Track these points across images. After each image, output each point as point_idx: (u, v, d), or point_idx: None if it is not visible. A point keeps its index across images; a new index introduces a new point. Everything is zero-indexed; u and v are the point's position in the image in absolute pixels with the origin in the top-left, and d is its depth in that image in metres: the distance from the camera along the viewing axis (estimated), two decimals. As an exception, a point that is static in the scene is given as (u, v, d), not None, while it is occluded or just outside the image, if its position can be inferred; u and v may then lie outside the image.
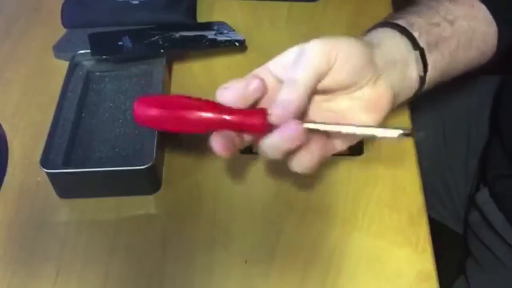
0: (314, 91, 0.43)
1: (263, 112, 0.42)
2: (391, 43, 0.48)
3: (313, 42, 0.42)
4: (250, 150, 0.61)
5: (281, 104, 0.41)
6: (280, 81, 0.43)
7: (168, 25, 0.73)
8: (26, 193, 0.58)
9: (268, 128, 0.42)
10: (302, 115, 0.43)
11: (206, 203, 0.57)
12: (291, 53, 0.43)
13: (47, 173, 0.55)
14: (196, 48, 0.70)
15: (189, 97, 0.43)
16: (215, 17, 0.76)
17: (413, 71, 0.48)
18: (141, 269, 0.52)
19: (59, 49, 0.71)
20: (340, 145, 0.47)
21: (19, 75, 0.70)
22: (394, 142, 0.61)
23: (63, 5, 0.75)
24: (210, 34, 0.70)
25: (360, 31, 0.73)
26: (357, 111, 0.45)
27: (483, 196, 0.72)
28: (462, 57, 0.52)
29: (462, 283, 0.75)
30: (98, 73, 0.65)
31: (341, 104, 0.46)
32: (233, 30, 0.72)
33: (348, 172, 0.59)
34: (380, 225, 0.55)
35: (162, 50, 0.66)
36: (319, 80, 0.42)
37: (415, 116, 0.64)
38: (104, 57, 0.65)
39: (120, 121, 0.61)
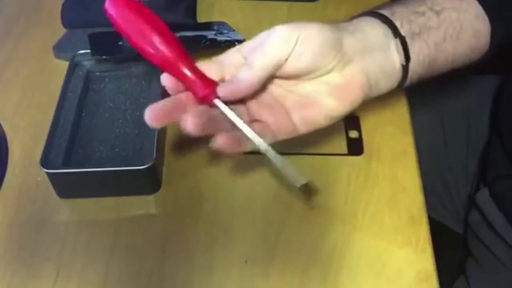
0: (275, 76, 0.44)
1: (215, 85, 0.44)
2: (369, 31, 0.47)
3: (278, 28, 0.43)
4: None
5: (231, 81, 0.43)
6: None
7: (168, 25, 0.73)
8: (26, 193, 0.58)
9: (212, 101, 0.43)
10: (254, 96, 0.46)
11: (206, 203, 0.57)
12: (261, 36, 0.44)
13: (47, 173, 0.55)
14: (195, 49, 0.69)
15: (168, 31, 0.45)
16: (215, 17, 0.76)
17: (395, 60, 0.48)
18: (141, 269, 0.52)
19: (59, 49, 0.71)
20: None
21: (19, 75, 0.70)
22: (394, 142, 0.61)
23: (63, 5, 0.75)
24: (210, 34, 0.70)
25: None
26: (323, 95, 0.46)
27: (483, 196, 0.72)
28: (450, 50, 0.51)
29: (462, 283, 0.75)
30: (98, 73, 0.65)
31: (307, 88, 0.46)
32: (233, 30, 0.71)
33: (348, 172, 0.59)
34: (380, 225, 0.55)
35: None
36: (276, 67, 0.43)
37: (415, 116, 0.64)
38: (104, 57, 0.65)
39: (120, 121, 0.61)
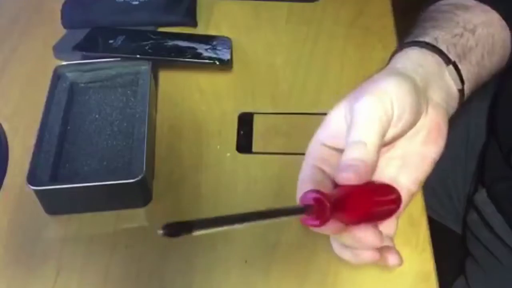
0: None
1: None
2: (425, 64, 0.45)
3: (362, 99, 0.38)
4: (250, 150, 0.61)
5: (350, 166, 0.36)
6: (337, 151, 0.40)
7: (168, 25, 0.74)
8: (26, 193, 0.58)
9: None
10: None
11: (206, 203, 0.57)
12: (337, 118, 0.40)
13: (34, 190, 0.53)
14: (174, 61, 0.67)
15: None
16: (215, 17, 0.76)
17: (452, 87, 0.46)
18: (141, 269, 0.52)
19: (59, 49, 0.71)
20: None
21: (19, 75, 0.70)
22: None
23: (63, 6, 0.75)
24: (201, 48, 0.69)
25: (360, 31, 0.74)
26: (418, 147, 0.41)
27: (482, 197, 0.72)
28: (488, 65, 0.50)
29: (462, 283, 0.75)
30: (82, 85, 0.64)
31: (403, 147, 0.41)
32: (229, 48, 0.70)
33: (348, 172, 0.59)
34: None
35: (138, 55, 0.65)
36: (384, 134, 0.38)
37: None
38: (81, 52, 0.65)
39: (107, 133, 0.60)
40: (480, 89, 0.52)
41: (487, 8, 0.53)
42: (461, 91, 0.46)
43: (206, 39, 0.71)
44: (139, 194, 0.56)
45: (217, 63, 0.67)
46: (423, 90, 0.42)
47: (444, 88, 0.45)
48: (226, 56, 0.68)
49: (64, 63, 0.64)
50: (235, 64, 0.70)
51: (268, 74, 0.69)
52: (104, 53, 0.66)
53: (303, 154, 0.60)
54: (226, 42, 0.71)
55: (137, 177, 0.53)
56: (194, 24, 0.75)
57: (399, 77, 0.41)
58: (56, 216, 0.56)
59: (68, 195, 0.55)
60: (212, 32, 0.74)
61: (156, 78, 0.68)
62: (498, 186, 0.70)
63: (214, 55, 0.68)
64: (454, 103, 0.46)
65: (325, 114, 0.67)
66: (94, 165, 0.57)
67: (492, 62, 0.51)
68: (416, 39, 0.47)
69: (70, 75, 0.64)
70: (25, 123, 0.64)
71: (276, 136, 0.63)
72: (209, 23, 0.76)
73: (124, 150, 0.58)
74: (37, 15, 0.77)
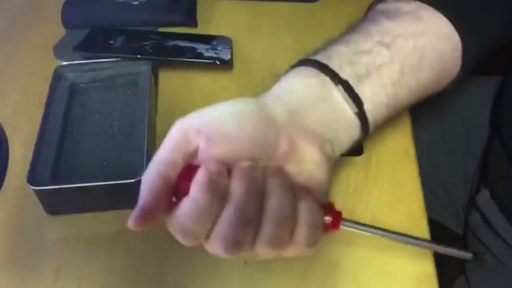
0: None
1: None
2: (299, 87, 0.42)
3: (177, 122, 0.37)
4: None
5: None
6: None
7: (169, 25, 0.74)
8: (26, 193, 0.58)
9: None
10: None
11: (206, 203, 0.57)
12: None
13: (35, 190, 0.53)
14: (174, 61, 0.68)
15: None
16: (215, 17, 0.76)
17: (345, 109, 0.42)
18: (141, 269, 0.52)
19: (60, 49, 0.71)
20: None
21: (19, 75, 0.70)
22: (394, 142, 0.61)
23: (64, 6, 0.75)
24: (201, 48, 0.69)
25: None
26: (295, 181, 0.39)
27: (484, 197, 0.72)
28: (413, 82, 0.45)
29: (462, 283, 0.75)
30: (82, 85, 0.64)
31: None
32: (229, 48, 0.70)
33: (348, 172, 0.59)
34: (380, 225, 0.55)
35: (138, 55, 0.65)
36: (181, 156, 0.37)
37: (415, 118, 0.64)
38: (82, 53, 0.65)
39: (108, 133, 0.60)
40: (412, 107, 0.47)
41: (424, 13, 0.47)
42: (361, 113, 0.42)
43: (206, 39, 0.71)
44: (139, 194, 0.56)
45: (218, 63, 0.67)
46: (280, 121, 0.39)
47: (326, 113, 0.41)
48: (226, 56, 0.69)
49: (64, 63, 0.64)
50: (235, 64, 0.70)
51: (268, 74, 0.69)
52: (104, 53, 0.66)
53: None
54: (226, 42, 0.71)
55: (137, 177, 0.53)
56: (194, 24, 0.75)
57: (245, 112, 0.38)
58: (56, 216, 0.56)
59: (68, 195, 0.55)
60: (212, 32, 0.74)
61: (156, 78, 0.68)
62: (501, 186, 0.70)
63: (214, 55, 0.68)
64: (350, 127, 0.43)
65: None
66: (94, 165, 0.58)
67: (421, 79, 0.46)
68: (310, 57, 0.44)
69: (70, 75, 0.64)
70: (25, 123, 0.64)
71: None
72: (209, 23, 0.76)
73: (124, 150, 0.58)
74: (37, 15, 0.78)
